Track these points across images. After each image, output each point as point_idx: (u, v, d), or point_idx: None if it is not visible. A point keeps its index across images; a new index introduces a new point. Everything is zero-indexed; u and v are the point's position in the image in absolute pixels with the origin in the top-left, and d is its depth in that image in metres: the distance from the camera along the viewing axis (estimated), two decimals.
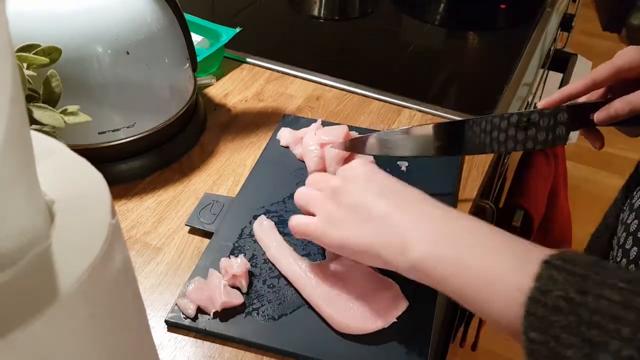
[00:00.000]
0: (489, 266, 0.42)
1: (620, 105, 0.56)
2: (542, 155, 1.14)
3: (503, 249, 0.43)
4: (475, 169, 0.78)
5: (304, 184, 0.72)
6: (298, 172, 0.74)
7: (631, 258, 0.54)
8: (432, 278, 0.46)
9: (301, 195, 0.59)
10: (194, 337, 0.56)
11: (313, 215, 0.56)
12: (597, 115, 0.58)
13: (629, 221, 0.56)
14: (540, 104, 0.63)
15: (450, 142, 0.65)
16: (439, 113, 0.88)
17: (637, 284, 0.35)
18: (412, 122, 0.86)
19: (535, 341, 0.36)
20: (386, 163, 0.76)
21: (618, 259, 0.58)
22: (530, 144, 0.62)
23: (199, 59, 0.81)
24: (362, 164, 0.56)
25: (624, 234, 0.57)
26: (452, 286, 0.44)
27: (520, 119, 0.61)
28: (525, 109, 1.06)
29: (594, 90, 0.61)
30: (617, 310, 0.34)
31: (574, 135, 0.62)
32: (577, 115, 0.60)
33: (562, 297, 0.36)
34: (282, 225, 0.66)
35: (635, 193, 0.59)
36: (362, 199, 0.52)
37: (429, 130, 0.66)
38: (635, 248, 0.54)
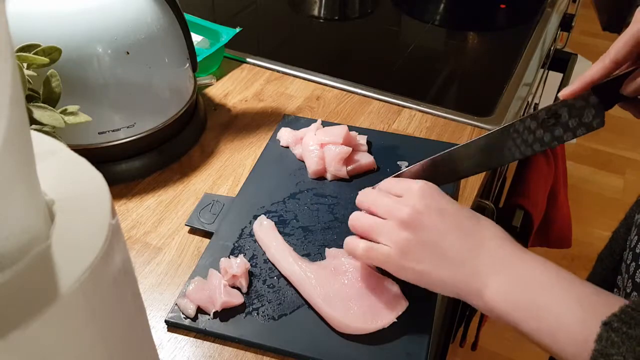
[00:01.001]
0: (559, 313, 0.44)
1: None
2: (542, 155, 1.14)
3: (573, 297, 0.45)
4: None
5: (304, 184, 0.72)
6: (298, 172, 0.74)
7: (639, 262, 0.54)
8: (507, 320, 0.48)
9: (362, 220, 0.56)
10: (194, 337, 0.56)
11: (372, 241, 0.55)
12: (625, 89, 0.56)
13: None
14: (562, 94, 0.60)
15: (495, 151, 0.63)
16: (438, 113, 0.88)
17: None
18: (412, 122, 0.86)
19: None
20: (386, 163, 0.76)
21: (628, 261, 0.58)
22: (568, 136, 0.60)
23: (199, 59, 0.81)
24: (427, 188, 0.55)
25: (636, 237, 0.57)
26: (526, 329, 0.46)
27: (548, 114, 0.59)
28: (526, 109, 1.06)
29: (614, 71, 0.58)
30: None
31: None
32: (607, 93, 0.58)
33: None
34: (282, 225, 0.66)
35: None
36: (439, 237, 0.52)
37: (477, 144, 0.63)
38: None
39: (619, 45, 0.55)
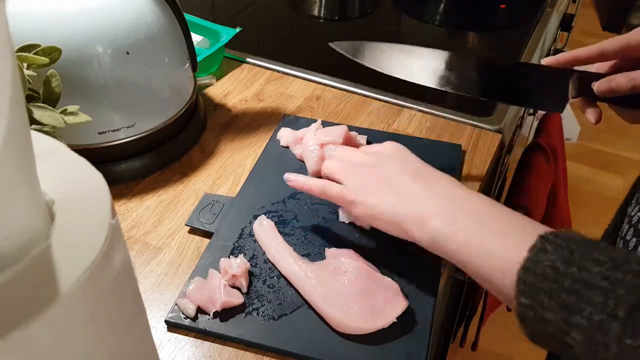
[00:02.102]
0: (494, 241, 0.46)
1: (622, 79, 0.56)
2: (542, 155, 1.14)
3: (509, 225, 0.47)
4: (475, 169, 0.78)
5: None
6: (298, 172, 0.74)
7: (630, 248, 0.54)
8: (444, 251, 0.50)
9: (331, 163, 0.63)
10: (194, 337, 0.56)
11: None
12: (598, 85, 0.58)
13: (632, 214, 0.57)
14: (544, 60, 0.63)
15: (447, 73, 0.66)
16: (439, 113, 0.88)
17: (618, 261, 0.38)
18: (412, 122, 0.86)
19: (523, 305, 0.40)
20: None
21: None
22: (523, 101, 0.64)
23: (199, 59, 0.81)
24: (397, 146, 0.61)
25: (627, 225, 0.57)
26: (460, 258, 0.49)
27: (520, 67, 0.63)
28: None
29: (600, 63, 0.61)
30: (594, 280, 0.37)
31: (574, 135, 0.61)
32: (579, 81, 0.60)
33: (549, 267, 0.40)
34: (282, 225, 0.66)
35: None
36: (395, 174, 0.57)
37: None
38: (634, 239, 0.54)
39: (612, 40, 0.59)
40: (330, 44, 0.69)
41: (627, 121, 0.64)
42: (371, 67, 0.68)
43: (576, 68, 0.62)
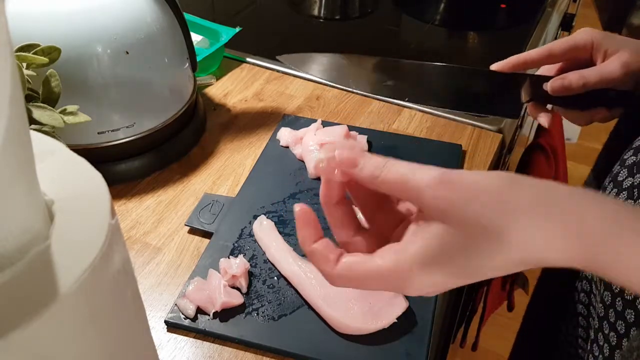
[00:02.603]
0: None
1: (574, 77, 0.57)
2: (542, 155, 1.14)
3: None
4: (475, 169, 0.78)
5: (304, 184, 0.72)
6: (298, 172, 0.74)
7: None
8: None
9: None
10: (194, 337, 0.56)
11: None
12: (551, 84, 0.58)
13: (607, 192, 0.57)
14: (494, 66, 0.62)
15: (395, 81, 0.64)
16: (439, 113, 0.88)
17: None
18: (412, 122, 0.86)
19: None
20: None
21: None
22: (477, 108, 0.63)
23: (198, 58, 0.81)
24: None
25: (613, 186, 0.57)
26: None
27: (470, 73, 0.62)
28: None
29: (548, 65, 0.62)
30: None
31: (575, 135, 0.61)
32: (531, 83, 0.61)
33: None
34: (282, 225, 0.66)
35: (607, 184, 0.59)
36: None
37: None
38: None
39: (558, 42, 0.60)
40: (278, 57, 0.68)
41: (572, 122, 0.64)
42: (317, 77, 0.67)
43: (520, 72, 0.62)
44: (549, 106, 0.62)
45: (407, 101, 0.64)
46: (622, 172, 0.58)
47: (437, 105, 0.64)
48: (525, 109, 0.64)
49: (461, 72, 0.62)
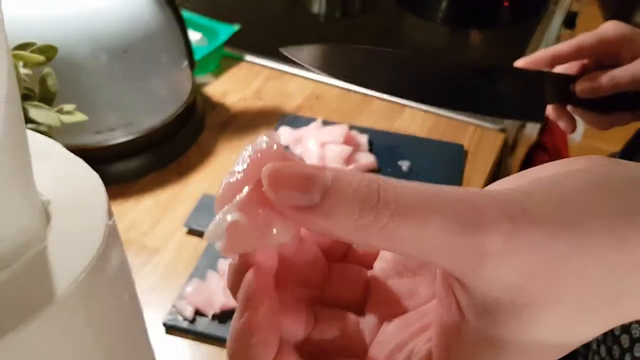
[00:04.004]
0: None
1: (604, 77, 0.53)
2: (546, 155, 1.14)
3: None
4: (477, 169, 0.77)
5: None
6: None
7: None
8: None
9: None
10: (192, 339, 0.56)
11: None
12: (580, 85, 0.55)
13: None
14: (519, 62, 0.58)
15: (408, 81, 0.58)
16: (441, 112, 0.87)
17: None
18: (413, 121, 0.86)
19: None
20: (387, 163, 0.75)
21: None
22: (495, 111, 0.58)
23: (197, 57, 0.81)
24: None
25: None
26: None
27: (489, 71, 0.56)
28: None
29: (575, 61, 0.58)
30: None
31: (578, 134, 0.60)
32: (557, 83, 0.57)
33: None
34: None
35: None
36: None
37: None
38: None
39: (587, 35, 0.56)
40: (281, 50, 0.61)
41: (593, 126, 0.60)
42: (318, 71, 0.61)
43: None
44: (569, 107, 0.59)
45: (425, 103, 0.58)
46: None
47: (453, 108, 0.58)
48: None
49: (478, 69, 0.57)
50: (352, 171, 0.20)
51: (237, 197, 0.20)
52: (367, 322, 0.25)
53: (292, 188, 0.19)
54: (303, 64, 0.60)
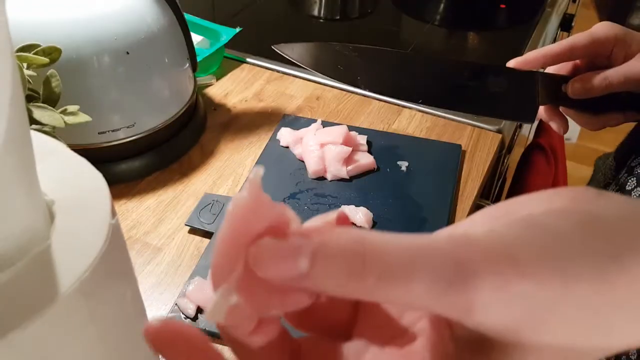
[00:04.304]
0: None
1: (597, 78, 0.52)
2: (542, 155, 1.14)
3: None
4: (475, 169, 0.78)
5: (304, 184, 0.72)
6: (298, 172, 0.74)
7: None
8: None
9: None
10: None
11: None
12: (572, 86, 0.54)
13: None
14: (511, 62, 0.57)
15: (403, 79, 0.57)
16: (439, 113, 0.88)
17: None
18: (412, 122, 0.86)
19: None
20: (386, 163, 0.76)
21: None
22: (487, 110, 0.56)
23: (198, 59, 0.81)
24: None
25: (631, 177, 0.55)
26: None
27: (481, 70, 0.55)
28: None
29: (567, 62, 0.57)
30: None
31: (574, 135, 0.59)
32: (550, 83, 0.56)
33: None
34: None
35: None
36: None
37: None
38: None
39: (580, 35, 0.55)
40: (273, 47, 0.61)
41: (584, 127, 0.60)
42: (313, 70, 0.61)
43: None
44: (561, 108, 0.58)
45: (421, 103, 0.56)
46: (630, 180, 0.56)
47: (444, 107, 0.57)
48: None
49: (470, 68, 0.56)
50: (336, 232, 0.20)
51: (233, 276, 0.20)
52: (353, 346, 0.24)
53: (280, 264, 0.19)
54: (294, 61, 0.59)
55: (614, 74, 0.52)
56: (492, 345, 0.21)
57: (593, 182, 0.67)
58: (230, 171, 0.76)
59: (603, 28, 0.54)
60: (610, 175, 0.63)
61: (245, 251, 0.20)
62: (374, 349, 0.24)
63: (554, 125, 0.58)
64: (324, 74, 0.60)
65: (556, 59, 0.55)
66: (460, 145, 0.80)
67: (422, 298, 0.19)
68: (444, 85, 0.57)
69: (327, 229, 0.20)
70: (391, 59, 0.58)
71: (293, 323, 0.24)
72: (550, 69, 0.58)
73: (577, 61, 0.57)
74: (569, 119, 0.59)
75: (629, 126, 0.61)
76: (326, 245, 0.19)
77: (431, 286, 0.19)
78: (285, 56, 0.61)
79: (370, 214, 0.67)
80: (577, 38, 0.54)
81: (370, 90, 0.58)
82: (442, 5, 1.29)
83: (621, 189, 0.57)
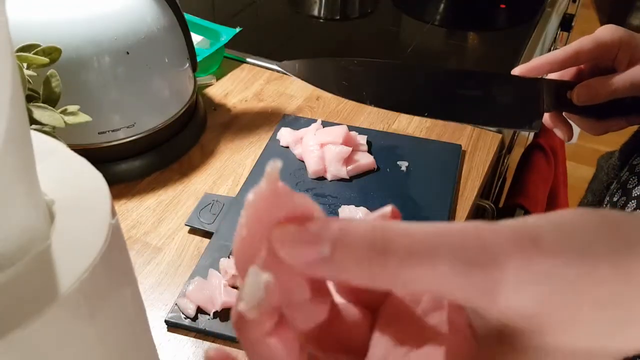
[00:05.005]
0: None
1: (601, 84, 0.52)
2: (542, 155, 1.14)
3: None
4: (475, 169, 0.78)
5: (304, 184, 0.72)
6: (298, 172, 0.74)
7: None
8: None
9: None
10: (194, 337, 0.56)
11: None
12: (578, 92, 0.53)
13: (615, 199, 0.55)
14: (516, 70, 0.56)
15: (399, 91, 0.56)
16: None
17: None
18: (412, 122, 0.86)
19: None
20: (386, 163, 0.76)
21: None
22: (490, 120, 0.55)
23: (199, 59, 0.81)
24: None
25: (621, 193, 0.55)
26: None
27: (487, 80, 0.54)
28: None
29: (570, 67, 0.56)
30: None
31: (574, 135, 0.59)
32: (555, 90, 0.55)
33: None
34: None
35: (615, 191, 0.57)
36: None
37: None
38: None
39: (584, 39, 0.54)
40: (277, 64, 0.61)
41: (587, 132, 0.59)
42: (318, 87, 0.60)
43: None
44: (564, 113, 0.57)
45: (426, 116, 0.55)
46: (631, 179, 0.56)
47: (450, 119, 0.54)
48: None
49: (475, 77, 0.55)
50: (357, 220, 0.20)
51: (259, 257, 0.20)
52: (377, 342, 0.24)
53: (302, 247, 0.20)
54: (298, 78, 0.59)
55: (619, 80, 0.52)
56: (512, 345, 0.21)
57: (595, 181, 0.67)
58: (230, 171, 0.76)
59: (608, 31, 0.53)
60: (614, 174, 0.63)
61: (268, 237, 0.20)
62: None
63: (558, 133, 0.58)
64: (329, 91, 0.59)
65: (562, 65, 0.55)
66: (460, 145, 0.80)
67: (445, 279, 0.19)
68: (450, 96, 0.56)
69: (348, 219, 0.20)
70: (396, 71, 0.57)
71: (312, 344, 0.24)
72: (553, 75, 0.58)
73: (581, 66, 0.56)
74: (571, 123, 0.59)
75: (630, 128, 0.61)
76: (348, 231, 0.20)
77: (455, 266, 0.19)
78: (290, 75, 0.60)
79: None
80: (582, 43, 0.54)
81: (376, 105, 0.57)
82: (442, 5, 1.29)
83: (623, 187, 0.57)
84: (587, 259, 0.19)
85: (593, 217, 0.21)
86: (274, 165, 0.20)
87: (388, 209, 0.24)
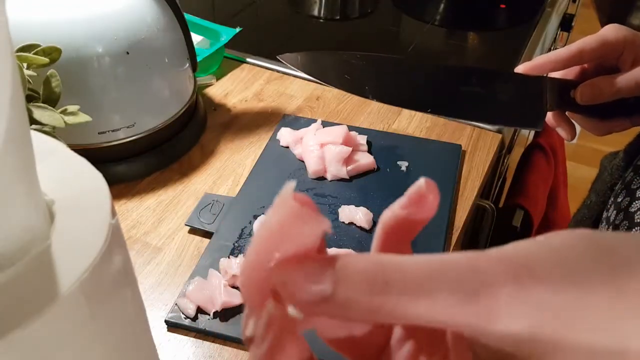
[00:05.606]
0: None
1: (605, 83, 0.51)
2: (542, 155, 1.14)
3: None
4: (475, 169, 0.78)
5: (304, 184, 0.72)
6: (298, 172, 0.74)
7: None
8: None
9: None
10: (194, 337, 0.56)
11: None
12: (581, 91, 0.53)
13: (619, 199, 0.55)
14: (520, 68, 0.55)
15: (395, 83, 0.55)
16: None
17: None
18: (412, 122, 0.86)
19: None
20: (386, 163, 0.76)
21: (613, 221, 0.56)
22: (497, 117, 0.55)
23: (199, 59, 0.81)
24: None
25: (614, 211, 0.55)
26: None
27: (490, 77, 0.54)
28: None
29: (574, 66, 0.56)
30: None
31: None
32: (558, 89, 0.55)
33: None
34: None
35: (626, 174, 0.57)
36: None
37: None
38: (625, 222, 0.52)
39: (589, 38, 0.54)
40: (279, 57, 0.61)
41: (590, 132, 0.59)
42: (319, 80, 0.60)
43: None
44: (567, 112, 0.57)
45: (429, 112, 0.55)
46: (636, 179, 0.55)
47: (453, 116, 0.55)
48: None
49: (478, 74, 0.55)
50: (354, 256, 0.21)
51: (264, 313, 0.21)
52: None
53: (306, 286, 0.20)
54: (298, 70, 0.59)
55: (623, 79, 0.51)
56: None
57: (599, 181, 0.67)
58: (230, 171, 0.76)
59: (612, 30, 0.53)
60: (617, 175, 0.63)
61: (271, 277, 0.20)
62: None
63: (561, 132, 0.57)
64: (331, 84, 0.59)
65: (565, 63, 0.54)
66: (460, 145, 0.80)
67: (444, 309, 0.20)
68: (453, 93, 0.56)
69: (346, 254, 0.21)
70: (398, 66, 0.57)
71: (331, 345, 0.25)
72: (556, 73, 0.57)
73: (585, 65, 0.56)
74: (574, 122, 0.59)
75: (634, 128, 0.61)
76: (347, 267, 0.20)
77: (452, 296, 0.20)
78: (290, 67, 0.60)
79: (370, 214, 0.67)
80: (586, 42, 0.53)
81: (378, 100, 0.57)
82: (442, 5, 1.29)
83: (627, 188, 0.57)
84: (579, 285, 0.20)
85: (585, 240, 0.21)
86: (288, 188, 0.21)
87: (422, 182, 0.25)
